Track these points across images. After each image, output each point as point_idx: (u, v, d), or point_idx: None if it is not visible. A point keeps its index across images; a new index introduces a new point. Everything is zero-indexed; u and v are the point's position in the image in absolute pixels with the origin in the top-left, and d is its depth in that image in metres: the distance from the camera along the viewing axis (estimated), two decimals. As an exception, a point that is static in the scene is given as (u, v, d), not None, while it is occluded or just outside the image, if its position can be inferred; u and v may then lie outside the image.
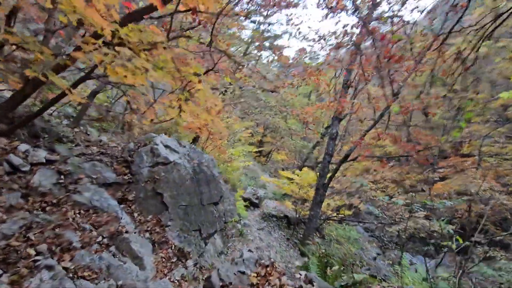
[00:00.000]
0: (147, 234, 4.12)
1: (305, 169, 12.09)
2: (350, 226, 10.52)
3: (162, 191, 4.62)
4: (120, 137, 6.54)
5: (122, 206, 4.13)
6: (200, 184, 5.15)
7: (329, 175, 9.07)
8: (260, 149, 16.78)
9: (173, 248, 4.41)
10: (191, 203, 4.90)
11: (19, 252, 2.26)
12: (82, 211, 3.21)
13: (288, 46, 32.05)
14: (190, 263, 4.56)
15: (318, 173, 8.93)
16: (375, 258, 8.96)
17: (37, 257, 2.29)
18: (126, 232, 3.37)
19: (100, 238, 2.99)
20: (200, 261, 5.00)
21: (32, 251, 2.33)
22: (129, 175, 4.61)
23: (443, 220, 7.32)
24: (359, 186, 10.51)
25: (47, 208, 2.92)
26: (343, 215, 9.82)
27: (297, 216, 10.58)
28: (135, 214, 4.32)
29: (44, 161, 3.38)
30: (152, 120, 6.95)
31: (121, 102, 8.55)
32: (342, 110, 8.97)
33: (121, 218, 3.77)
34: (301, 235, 9.93)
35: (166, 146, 5.15)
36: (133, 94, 8.25)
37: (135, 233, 3.62)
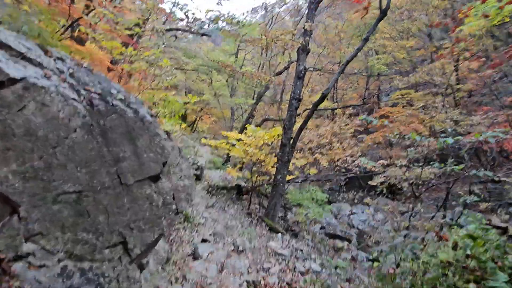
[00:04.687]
0: None
1: (250, 126, 9.83)
2: (313, 187, 9.13)
3: (-10, 163, 1.54)
4: None
5: None
6: (111, 139, 2.19)
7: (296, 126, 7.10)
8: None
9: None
10: (92, 184, 1.96)
11: None
12: None
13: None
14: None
15: (284, 125, 6.81)
16: (349, 215, 7.90)
17: None
18: None
19: None
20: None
21: None
22: None
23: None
24: (320, 141, 9.00)
25: None
26: (308, 175, 8.22)
27: (252, 183, 8.51)
28: None
29: None
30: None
31: None
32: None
33: None
34: (263, 207, 7.95)
35: (-4, 45, 1.88)
36: None
37: None
